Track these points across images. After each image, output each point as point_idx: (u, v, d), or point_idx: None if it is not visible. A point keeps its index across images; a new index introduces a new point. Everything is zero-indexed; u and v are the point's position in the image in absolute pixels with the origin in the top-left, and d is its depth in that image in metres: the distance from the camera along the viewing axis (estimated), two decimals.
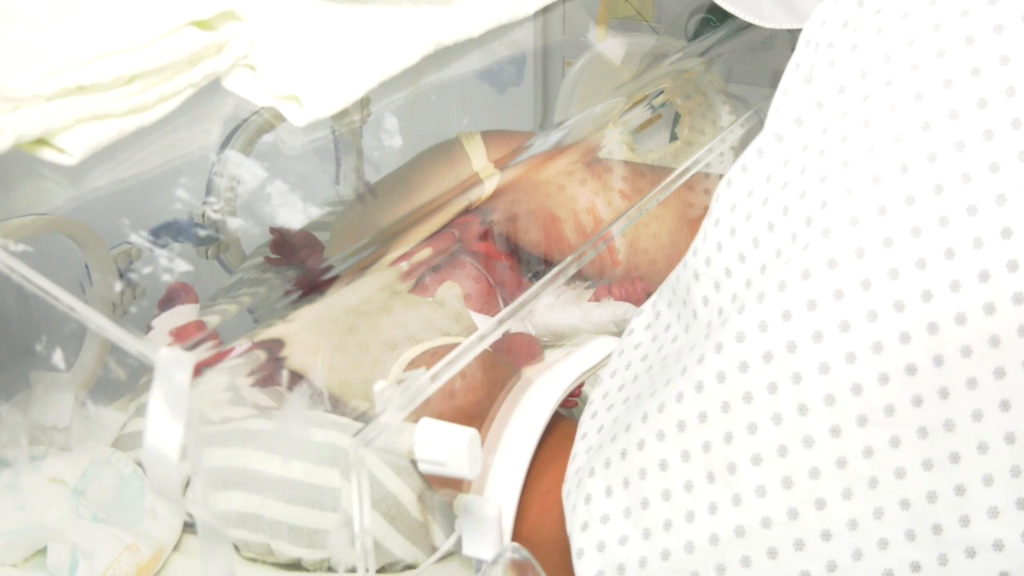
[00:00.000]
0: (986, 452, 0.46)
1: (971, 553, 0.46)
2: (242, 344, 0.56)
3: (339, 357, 0.72)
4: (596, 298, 0.91)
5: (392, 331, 0.73)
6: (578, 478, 0.55)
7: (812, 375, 0.48)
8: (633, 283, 0.91)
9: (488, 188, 0.78)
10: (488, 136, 0.94)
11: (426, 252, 0.77)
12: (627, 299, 0.90)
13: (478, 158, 0.91)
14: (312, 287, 0.68)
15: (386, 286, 0.76)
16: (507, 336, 0.86)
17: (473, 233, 0.88)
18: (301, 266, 0.89)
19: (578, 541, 0.53)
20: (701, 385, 0.50)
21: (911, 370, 0.46)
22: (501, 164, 0.82)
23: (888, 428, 0.47)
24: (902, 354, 0.46)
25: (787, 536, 0.48)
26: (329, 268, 0.74)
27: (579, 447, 0.58)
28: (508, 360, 0.72)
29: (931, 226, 0.46)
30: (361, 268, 0.70)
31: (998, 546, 0.46)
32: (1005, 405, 0.45)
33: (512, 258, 0.96)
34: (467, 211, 0.78)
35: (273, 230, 0.92)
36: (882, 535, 0.47)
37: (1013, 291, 0.45)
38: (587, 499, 0.53)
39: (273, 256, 0.91)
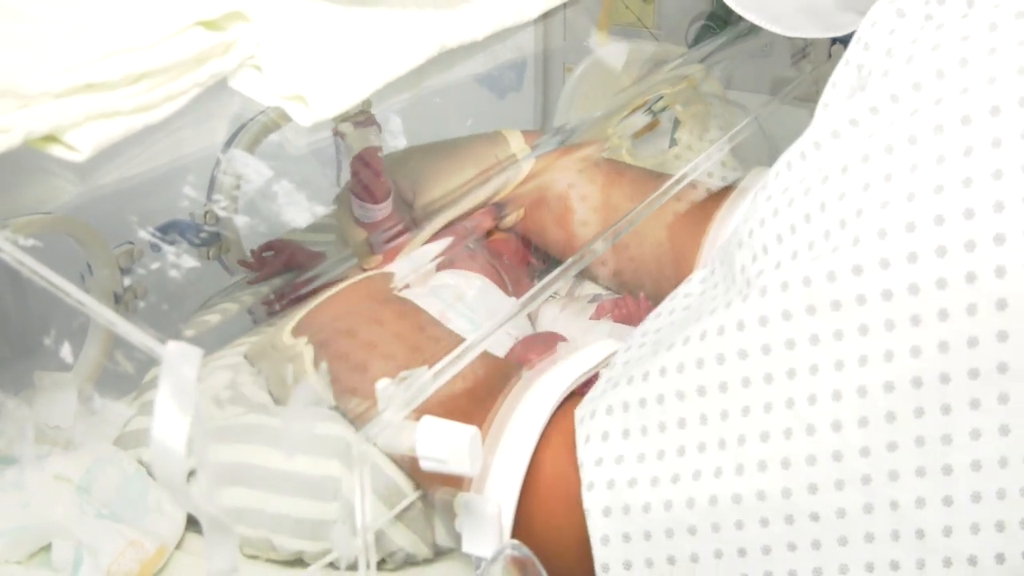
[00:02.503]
0: (979, 470, 0.47)
1: (948, 563, 0.49)
2: None
3: (337, 364, 0.73)
4: (597, 315, 0.92)
5: (388, 342, 0.73)
6: (592, 407, 0.59)
7: (827, 369, 0.50)
8: (638, 302, 0.91)
9: (524, 168, 0.88)
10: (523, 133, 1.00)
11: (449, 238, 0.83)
12: (627, 319, 0.90)
13: (516, 143, 0.95)
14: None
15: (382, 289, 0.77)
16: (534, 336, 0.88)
17: (491, 225, 0.93)
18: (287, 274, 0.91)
19: (590, 474, 0.57)
20: (723, 358, 0.53)
21: (916, 383, 0.48)
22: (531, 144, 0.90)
23: (887, 433, 0.49)
24: (911, 367, 0.48)
25: (779, 510, 0.51)
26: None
27: (603, 375, 0.62)
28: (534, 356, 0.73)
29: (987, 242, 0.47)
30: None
31: (972, 561, 0.48)
32: (1004, 429, 0.47)
33: (526, 254, 0.98)
34: (492, 203, 0.87)
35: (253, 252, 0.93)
36: (869, 529, 0.50)
37: None
38: (604, 436, 0.57)
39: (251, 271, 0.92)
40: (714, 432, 0.53)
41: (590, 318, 0.92)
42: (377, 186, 0.89)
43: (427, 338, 0.73)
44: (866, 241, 0.49)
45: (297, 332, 0.74)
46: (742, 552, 0.53)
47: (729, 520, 0.52)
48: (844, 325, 0.49)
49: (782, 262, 0.52)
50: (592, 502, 0.57)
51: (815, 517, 0.51)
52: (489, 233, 0.98)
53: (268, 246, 0.92)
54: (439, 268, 0.91)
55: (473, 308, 0.84)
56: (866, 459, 0.49)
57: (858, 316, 0.49)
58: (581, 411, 0.60)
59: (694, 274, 0.64)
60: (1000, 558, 0.48)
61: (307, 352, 0.73)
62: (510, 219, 0.96)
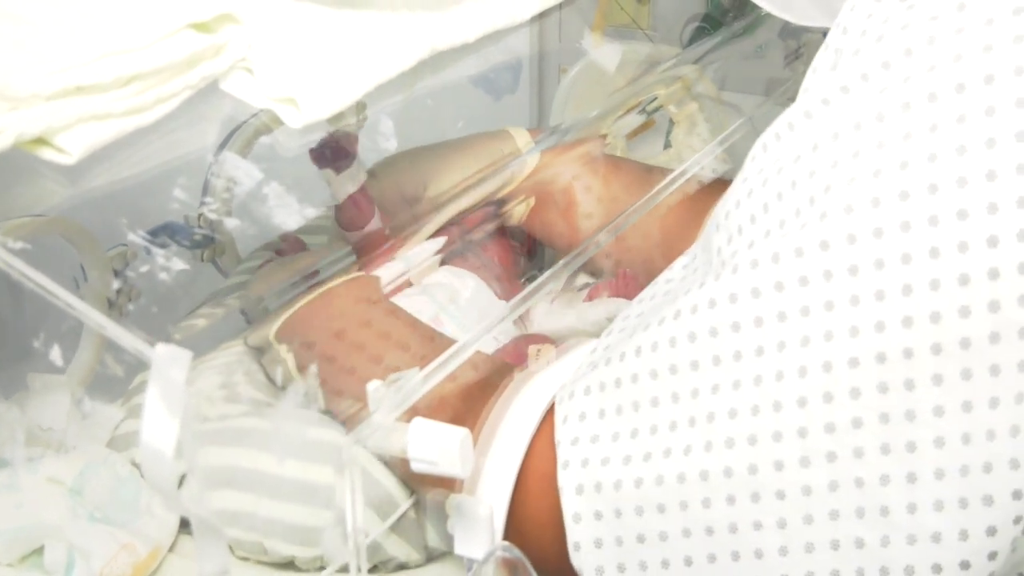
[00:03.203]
0: (942, 447, 0.48)
1: (912, 540, 0.49)
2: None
3: (330, 364, 0.72)
4: (590, 298, 0.92)
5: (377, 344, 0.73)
6: (571, 388, 0.60)
7: (794, 345, 0.50)
8: (625, 280, 0.91)
9: (529, 163, 0.90)
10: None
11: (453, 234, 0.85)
12: (622, 295, 0.90)
13: (522, 140, 0.97)
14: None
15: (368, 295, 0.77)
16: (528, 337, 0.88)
17: (494, 222, 0.94)
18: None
19: (565, 453, 0.58)
20: (694, 336, 0.54)
21: (881, 358, 0.48)
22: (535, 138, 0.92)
23: (851, 409, 0.49)
24: (875, 342, 0.48)
25: (745, 488, 0.52)
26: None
27: (585, 359, 0.63)
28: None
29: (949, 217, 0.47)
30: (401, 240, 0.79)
31: (936, 538, 0.48)
32: (967, 406, 0.47)
33: (530, 249, 0.99)
34: (495, 200, 0.88)
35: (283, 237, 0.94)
36: (834, 507, 0.50)
37: (990, 299, 0.46)
38: (581, 416, 0.58)
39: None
40: (685, 410, 0.54)
41: (584, 301, 0.92)
42: (359, 217, 0.88)
43: (416, 338, 0.73)
44: (833, 216, 0.50)
45: (279, 337, 0.74)
46: (709, 531, 0.53)
47: (697, 498, 0.53)
48: (811, 301, 0.50)
49: (755, 241, 0.53)
50: (566, 480, 0.57)
51: (781, 495, 0.51)
52: (496, 230, 0.98)
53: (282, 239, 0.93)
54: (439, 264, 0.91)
55: (465, 311, 0.84)
56: (831, 436, 0.50)
57: (824, 292, 0.49)
58: (561, 393, 0.60)
59: (677, 260, 0.64)
60: (963, 535, 0.48)
61: (289, 359, 0.73)
62: (519, 211, 0.96)
